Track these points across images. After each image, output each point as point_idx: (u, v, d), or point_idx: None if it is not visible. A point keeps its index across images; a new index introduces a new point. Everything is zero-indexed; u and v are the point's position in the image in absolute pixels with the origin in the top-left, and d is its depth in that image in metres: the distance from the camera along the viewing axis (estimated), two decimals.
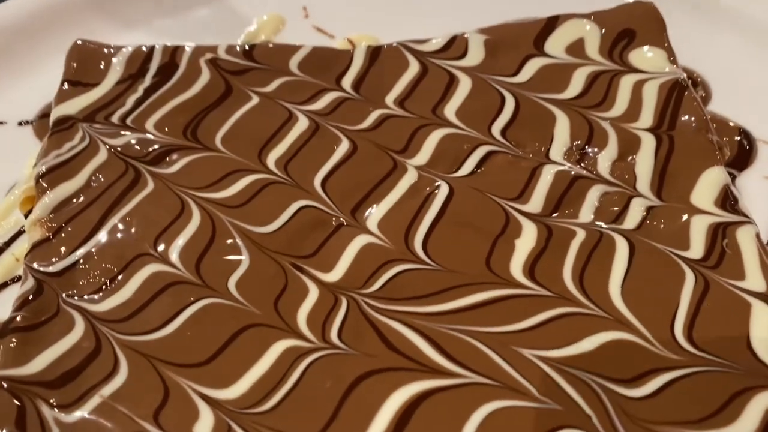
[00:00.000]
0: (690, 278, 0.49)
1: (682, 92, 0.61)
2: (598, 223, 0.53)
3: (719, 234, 0.52)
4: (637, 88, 0.61)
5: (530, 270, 0.50)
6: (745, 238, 0.51)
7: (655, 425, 0.42)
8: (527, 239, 0.51)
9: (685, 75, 0.62)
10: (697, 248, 0.51)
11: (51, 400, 0.44)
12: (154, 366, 0.46)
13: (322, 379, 0.45)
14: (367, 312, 0.48)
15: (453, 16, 0.76)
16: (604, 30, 0.66)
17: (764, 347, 0.45)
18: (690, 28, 0.71)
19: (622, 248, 0.51)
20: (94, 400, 0.44)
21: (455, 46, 0.66)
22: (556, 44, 0.65)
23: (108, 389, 0.44)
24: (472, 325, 0.47)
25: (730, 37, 0.70)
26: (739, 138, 0.63)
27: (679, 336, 0.46)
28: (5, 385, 0.44)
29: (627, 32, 0.66)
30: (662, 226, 0.52)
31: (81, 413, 0.43)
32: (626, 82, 0.62)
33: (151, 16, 0.76)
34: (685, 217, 0.53)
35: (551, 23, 0.67)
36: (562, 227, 0.52)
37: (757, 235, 0.52)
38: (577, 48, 0.65)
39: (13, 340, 0.47)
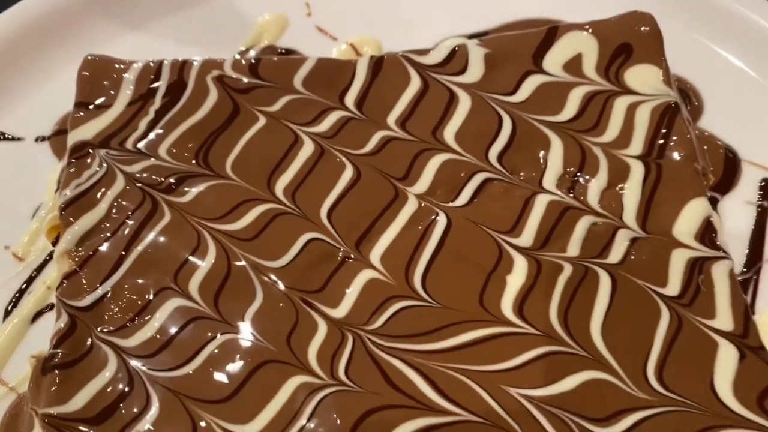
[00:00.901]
0: (665, 317, 0.54)
1: (674, 117, 0.63)
2: (584, 257, 0.57)
3: (696, 270, 0.56)
4: (630, 111, 0.64)
5: (519, 308, 0.54)
6: (719, 275, 0.55)
7: None
8: (518, 275, 0.56)
9: (678, 98, 0.64)
10: (674, 285, 0.55)
11: None
12: (182, 402, 0.51)
13: (331, 415, 0.50)
14: (371, 349, 0.53)
15: (456, 11, 0.77)
16: (601, 45, 0.67)
17: (726, 388, 0.50)
18: (689, 36, 0.72)
19: (604, 285, 0.55)
20: None
21: (456, 59, 0.68)
22: (555, 60, 0.67)
23: (142, 425, 0.50)
24: (465, 364, 0.52)
25: (729, 48, 0.71)
26: (725, 159, 0.66)
27: (650, 376, 0.51)
28: (53, 421, 0.50)
29: (624, 47, 0.67)
30: (644, 260, 0.56)
31: None
32: (620, 105, 0.64)
33: (153, 15, 0.77)
34: (666, 251, 0.57)
35: (550, 36, 0.68)
36: (550, 262, 0.57)
37: (731, 272, 0.56)
38: (574, 65, 0.67)
39: (55, 378, 0.52)
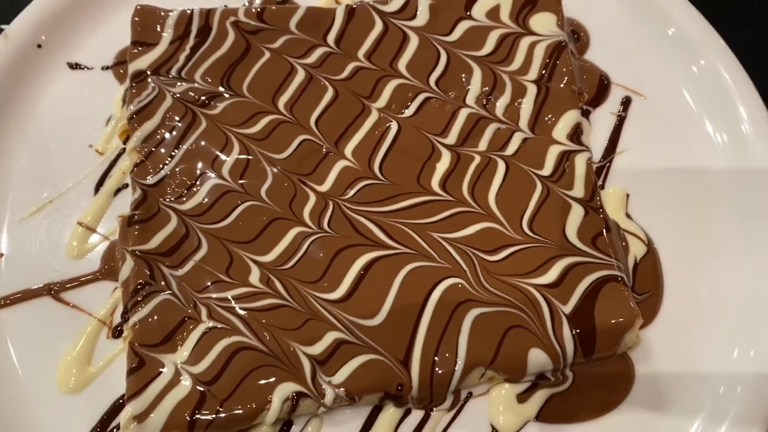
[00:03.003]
0: (539, 189, 0.81)
1: (561, 52, 0.88)
2: (489, 150, 0.84)
3: (564, 158, 0.83)
4: (531, 48, 0.89)
5: (443, 184, 0.81)
6: (579, 162, 0.82)
7: (501, 276, 0.75)
8: (444, 163, 0.83)
9: (567, 37, 0.90)
10: (548, 168, 0.82)
11: (165, 263, 0.78)
12: (222, 243, 0.79)
13: (318, 250, 0.78)
14: (345, 211, 0.80)
15: None
16: None
17: (572, 232, 0.78)
18: None
19: (501, 169, 0.82)
20: (190, 264, 0.77)
21: (408, 8, 0.93)
22: (480, 9, 0.92)
23: (197, 256, 0.78)
24: (406, 219, 0.79)
25: None
26: (599, 82, 0.92)
27: (524, 225, 0.78)
28: (138, 255, 0.78)
29: None
30: (529, 152, 0.83)
31: (184, 270, 0.77)
32: (524, 43, 0.89)
33: None
34: (545, 146, 0.84)
35: None
36: (466, 154, 0.83)
37: (589, 160, 0.83)
38: (494, 13, 0.92)
39: (136, 229, 0.79)
